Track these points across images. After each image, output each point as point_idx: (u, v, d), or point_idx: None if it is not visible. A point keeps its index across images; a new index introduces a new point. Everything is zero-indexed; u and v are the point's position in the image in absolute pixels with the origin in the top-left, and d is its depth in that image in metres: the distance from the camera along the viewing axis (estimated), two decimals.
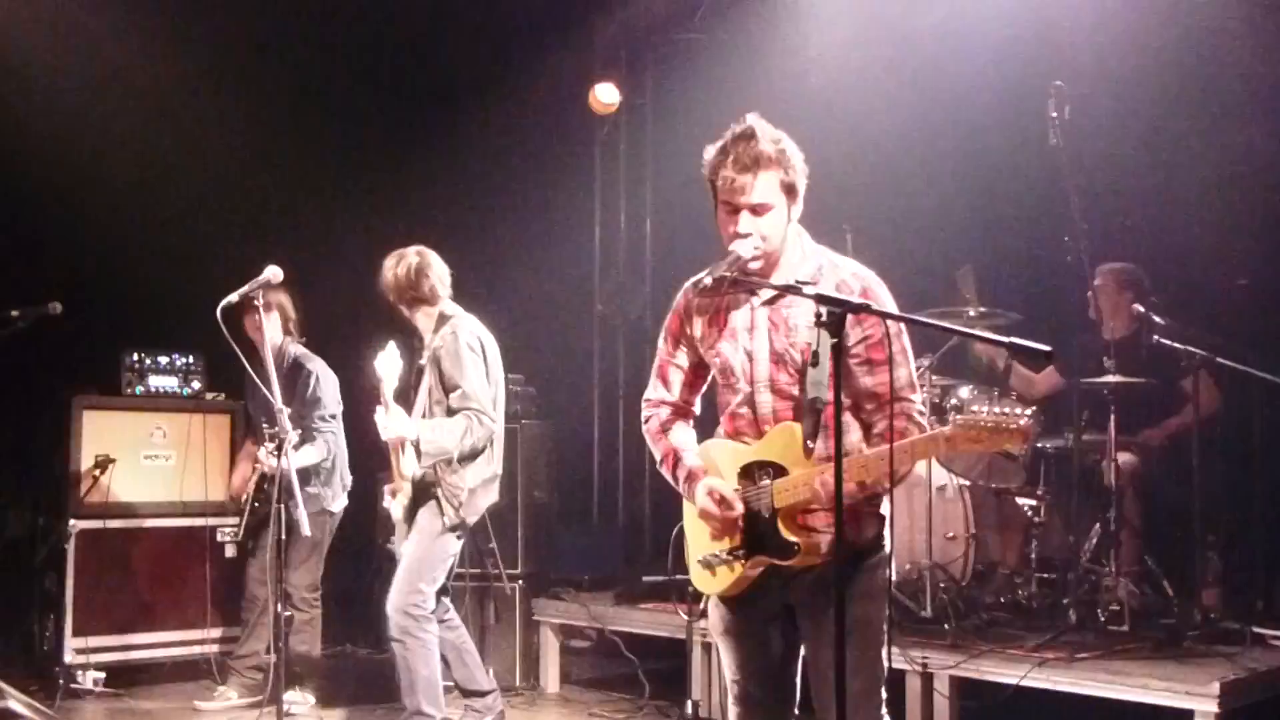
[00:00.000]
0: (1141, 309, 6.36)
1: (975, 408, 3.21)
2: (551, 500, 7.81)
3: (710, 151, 3.56)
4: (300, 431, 6.31)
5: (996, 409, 3.17)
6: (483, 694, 6.06)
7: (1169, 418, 6.52)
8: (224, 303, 5.42)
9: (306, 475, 6.62)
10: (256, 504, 6.80)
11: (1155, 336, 6.16)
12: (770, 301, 3.58)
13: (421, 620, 5.72)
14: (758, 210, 3.49)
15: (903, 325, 3.54)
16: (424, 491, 5.75)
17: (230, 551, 7.46)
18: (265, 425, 6.12)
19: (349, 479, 6.97)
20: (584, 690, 7.35)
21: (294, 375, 6.71)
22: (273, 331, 6.46)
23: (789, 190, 3.52)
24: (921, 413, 3.58)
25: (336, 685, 7.22)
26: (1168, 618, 5.93)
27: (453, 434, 5.63)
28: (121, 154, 7.95)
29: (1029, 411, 3.18)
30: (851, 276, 3.56)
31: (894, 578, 3.88)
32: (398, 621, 5.69)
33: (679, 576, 6.10)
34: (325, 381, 6.82)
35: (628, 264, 9.36)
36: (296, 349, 6.88)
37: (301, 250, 7.18)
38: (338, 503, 6.91)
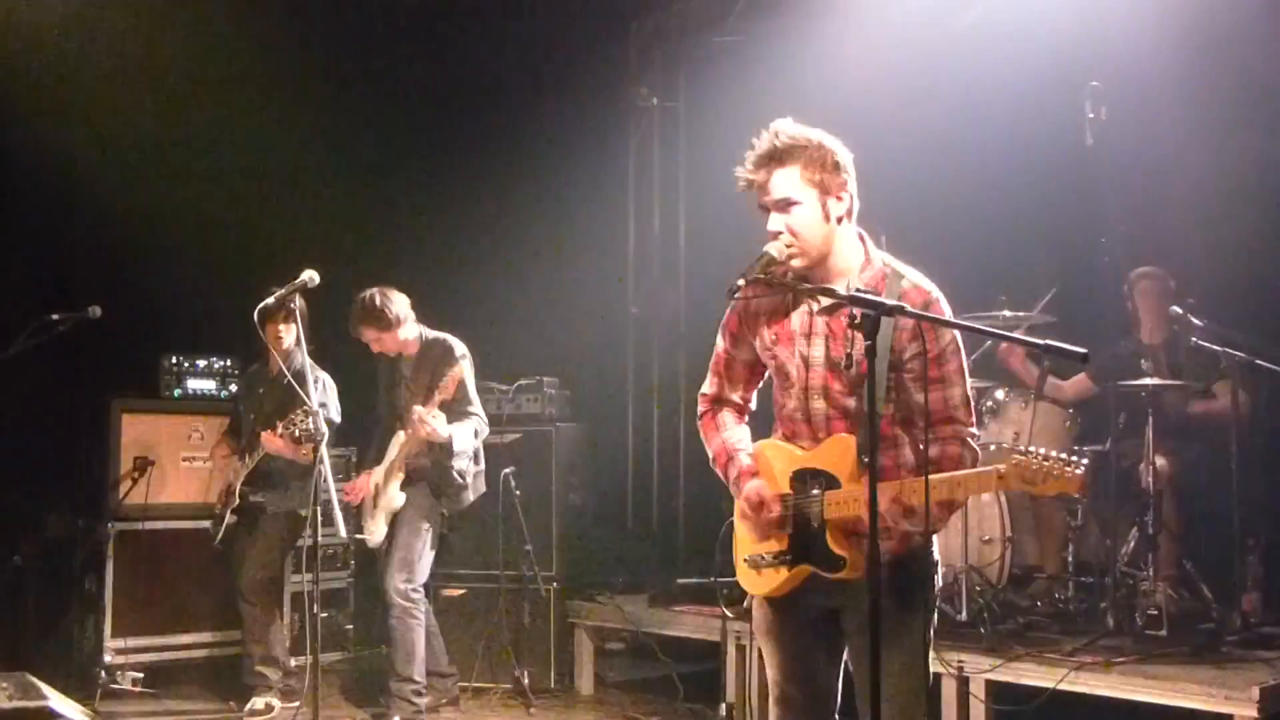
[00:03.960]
0: (1179, 311, 6.32)
1: (1031, 448, 3.20)
2: (586, 502, 7.81)
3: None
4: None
5: (1054, 453, 3.16)
6: (444, 675, 6.75)
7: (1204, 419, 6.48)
8: (261, 305, 5.46)
9: (286, 478, 6.73)
10: (242, 502, 6.81)
11: (1193, 339, 6.12)
12: (830, 310, 3.53)
13: (418, 600, 6.42)
14: (782, 206, 3.46)
15: (961, 344, 3.51)
16: (416, 485, 6.42)
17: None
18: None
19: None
20: (619, 692, 7.35)
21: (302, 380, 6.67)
22: (293, 336, 6.49)
23: (820, 187, 3.46)
24: (974, 436, 3.54)
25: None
26: (1206, 622, 5.89)
27: (469, 435, 6.37)
28: (160, 158, 8.02)
29: (1084, 461, 3.17)
30: (914, 289, 3.49)
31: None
32: (401, 604, 6.34)
33: (714, 579, 6.14)
34: (331, 390, 6.82)
35: (662, 266, 9.36)
36: (304, 356, 6.80)
37: (338, 254, 7.21)
38: (306, 508, 6.83)
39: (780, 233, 3.47)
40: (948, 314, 3.51)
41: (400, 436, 6.41)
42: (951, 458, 3.44)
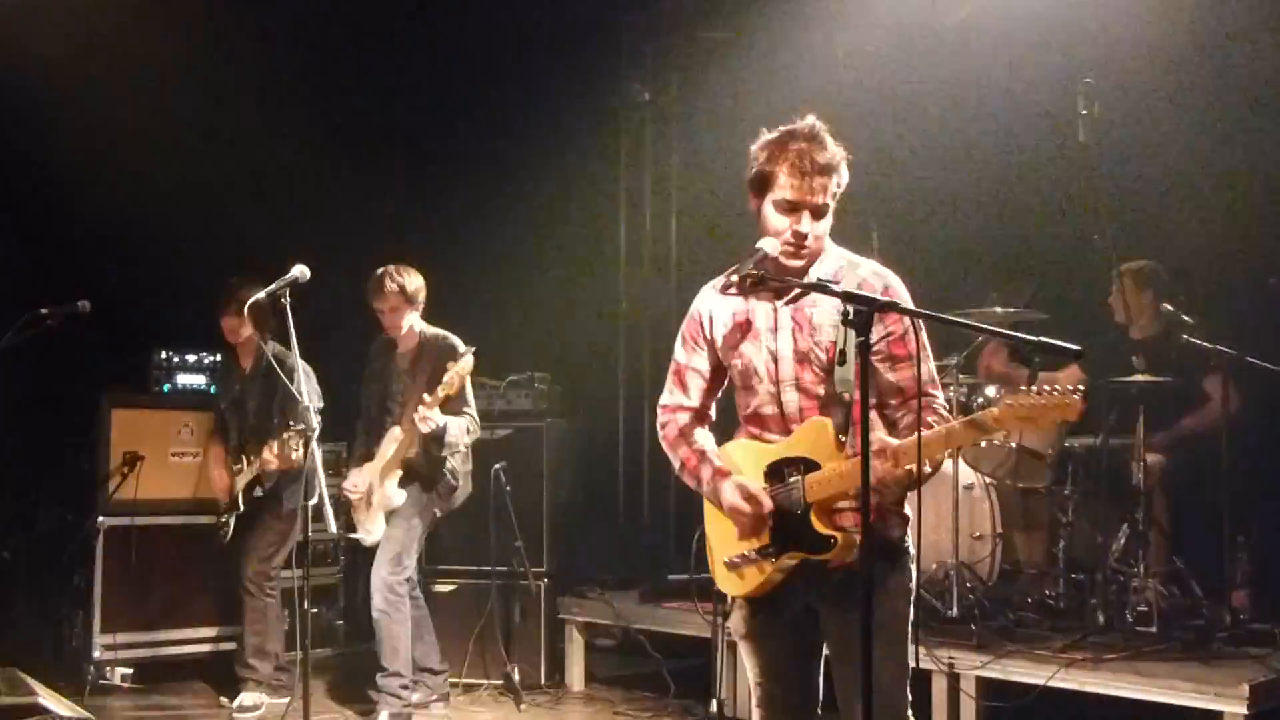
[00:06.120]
0: (1170, 308, 6.33)
1: (1021, 389, 3.20)
2: (576, 499, 7.81)
3: (767, 144, 3.54)
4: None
5: (1046, 387, 3.16)
6: (435, 672, 6.66)
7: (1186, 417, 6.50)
8: (250, 300, 5.43)
9: (290, 475, 6.69)
10: (243, 505, 6.84)
11: (1184, 336, 6.13)
12: (792, 300, 3.57)
13: (404, 595, 6.39)
14: (818, 212, 3.51)
15: (923, 321, 3.51)
16: (412, 482, 6.39)
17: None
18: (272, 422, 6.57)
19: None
20: (609, 689, 7.35)
21: (273, 377, 6.59)
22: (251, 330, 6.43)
23: (836, 196, 3.54)
24: (945, 407, 3.56)
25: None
26: (1196, 619, 5.89)
27: (462, 430, 6.35)
28: (150, 153, 7.98)
29: (1081, 387, 3.16)
30: (873, 275, 3.56)
31: (921, 577, 3.87)
32: (386, 596, 6.31)
33: (703, 575, 6.13)
34: (310, 378, 6.72)
35: (652, 262, 9.35)
36: (275, 347, 6.64)
37: (327, 249, 7.19)
38: (296, 499, 6.77)
39: (805, 234, 3.49)
40: (906, 297, 3.57)
41: (396, 433, 6.38)
42: (926, 424, 3.40)
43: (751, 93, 8.12)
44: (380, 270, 6.52)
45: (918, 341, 3.45)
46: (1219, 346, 6.00)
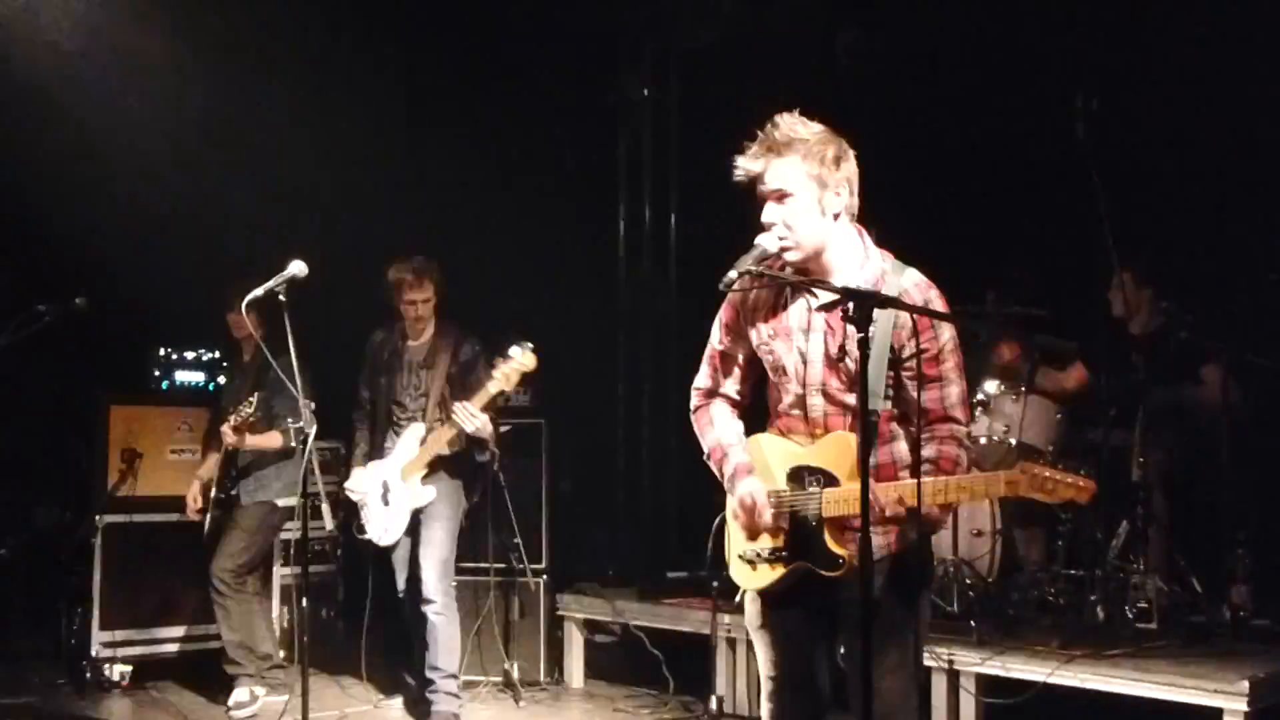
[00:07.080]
0: (1166, 304, 6.34)
1: (1038, 459, 3.22)
2: (576, 497, 7.81)
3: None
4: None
5: (1061, 465, 3.20)
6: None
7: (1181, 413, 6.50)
8: (249, 296, 5.40)
9: (261, 468, 6.68)
10: (222, 494, 6.77)
11: (1183, 333, 6.13)
12: (828, 306, 3.49)
13: (453, 595, 6.37)
14: (777, 197, 3.44)
15: (956, 343, 3.49)
16: (446, 480, 6.31)
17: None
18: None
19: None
20: (608, 685, 7.35)
21: (268, 369, 6.61)
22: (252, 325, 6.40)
23: (817, 180, 3.43)
24: (970, 435, 3.53)
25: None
26: (1197, 615, 5.91)
27: (495, 432, 6.38)
28: (149, 150, 7.99)
29: (1089, 472, 3.19)
30: (914, 287, 3.47)
31: None
32: (442, 599, 6.24)
33: (704, 572, 6.14)
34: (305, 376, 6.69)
35: (653, 260, 9.34)
36: (266, 347, 6.67)
37: (327, 247, 7.18)
38: (284, 499, 6.78)
39: (774, 224, 3.45)
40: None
41: (418, 429, 6.32)
42: (949, 458, 3.43)
43: (752, 91, 8.10)
44: (408, 262, 6.42)
45: (918, 358, 3.40)
46: (1218, 343, 6.01)
